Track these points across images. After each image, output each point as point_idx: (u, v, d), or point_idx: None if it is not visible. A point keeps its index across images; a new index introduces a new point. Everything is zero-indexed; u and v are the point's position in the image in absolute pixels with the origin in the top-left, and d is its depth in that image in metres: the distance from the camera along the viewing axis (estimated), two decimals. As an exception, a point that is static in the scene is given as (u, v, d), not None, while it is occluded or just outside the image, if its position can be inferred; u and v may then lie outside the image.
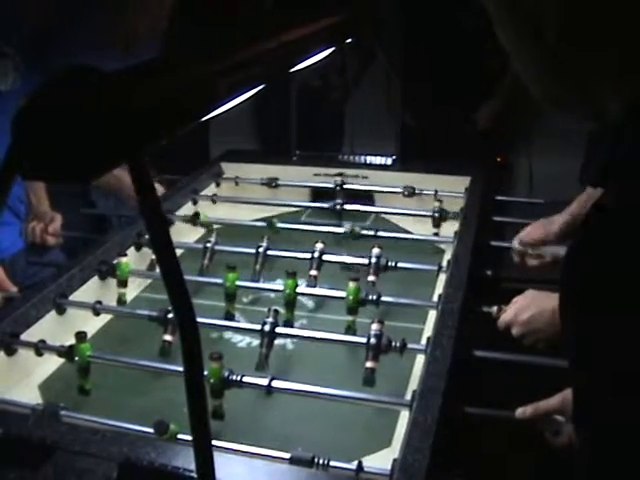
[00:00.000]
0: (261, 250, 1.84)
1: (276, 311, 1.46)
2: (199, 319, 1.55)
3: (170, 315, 1.48)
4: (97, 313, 1.64)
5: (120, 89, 0.76)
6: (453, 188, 2.21)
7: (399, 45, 2.77)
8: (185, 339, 0.80)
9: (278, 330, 1.45)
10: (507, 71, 2.74)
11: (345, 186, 2.34)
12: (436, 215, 2.08)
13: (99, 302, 1.64)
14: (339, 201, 2.29)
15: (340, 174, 2.36)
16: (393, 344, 1.38)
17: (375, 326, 1.38)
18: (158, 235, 0.81)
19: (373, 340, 1.37)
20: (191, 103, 0.98)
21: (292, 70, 1.71)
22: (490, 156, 2.74)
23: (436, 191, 2.21)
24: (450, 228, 1.96)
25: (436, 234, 2.07)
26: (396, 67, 2.48)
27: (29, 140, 0.77)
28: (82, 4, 2.10)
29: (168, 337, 1.50)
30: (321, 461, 1.12)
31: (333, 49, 1.94)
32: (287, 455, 1.13)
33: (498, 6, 0.72)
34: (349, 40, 2.17)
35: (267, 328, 1.43)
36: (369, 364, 1.37)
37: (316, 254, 1.78)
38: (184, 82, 0.95)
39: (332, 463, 1.12)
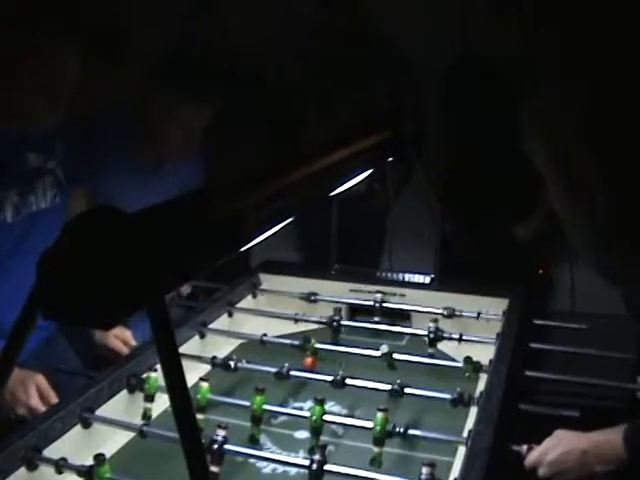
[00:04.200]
0: (294, 372, 1.82)
1: (324, 447, 1.42)
2: (229, 446, 1.49)
3: (216, 445, 1.42)
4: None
5: (140, 236, 0.78)
6: (491, 310, 2.18)
7: (440, 163, 2.79)
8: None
9: (326, 468, 1.39)
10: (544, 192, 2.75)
11: (384, 304, 2.31)
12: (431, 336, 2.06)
13: (127, 418, 1.62)
14: (377, 319, 2.28)
15: (380, 292, 2.34)
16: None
17: (426, 470, 1.34)
18: (172, 377, 0.81)
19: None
20: (219, 240, 0.99)
21: (332, 194, 1.74)
22: (530, 272, 2.70)
23: (477, 313, 2.19)
24: (485, 354, 1.91)
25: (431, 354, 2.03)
26: (435, 183, 2.49)
27: (51, 282, 0.78)
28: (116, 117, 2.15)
29: (214, 468, 1.41)
30: None
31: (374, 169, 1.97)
32: None
33: (553, 178, 0.73)
34: (390, 159, 2.22)
35: (315, 467, 1.38)
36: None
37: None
38: (211, 220, 0.97)
39: None
